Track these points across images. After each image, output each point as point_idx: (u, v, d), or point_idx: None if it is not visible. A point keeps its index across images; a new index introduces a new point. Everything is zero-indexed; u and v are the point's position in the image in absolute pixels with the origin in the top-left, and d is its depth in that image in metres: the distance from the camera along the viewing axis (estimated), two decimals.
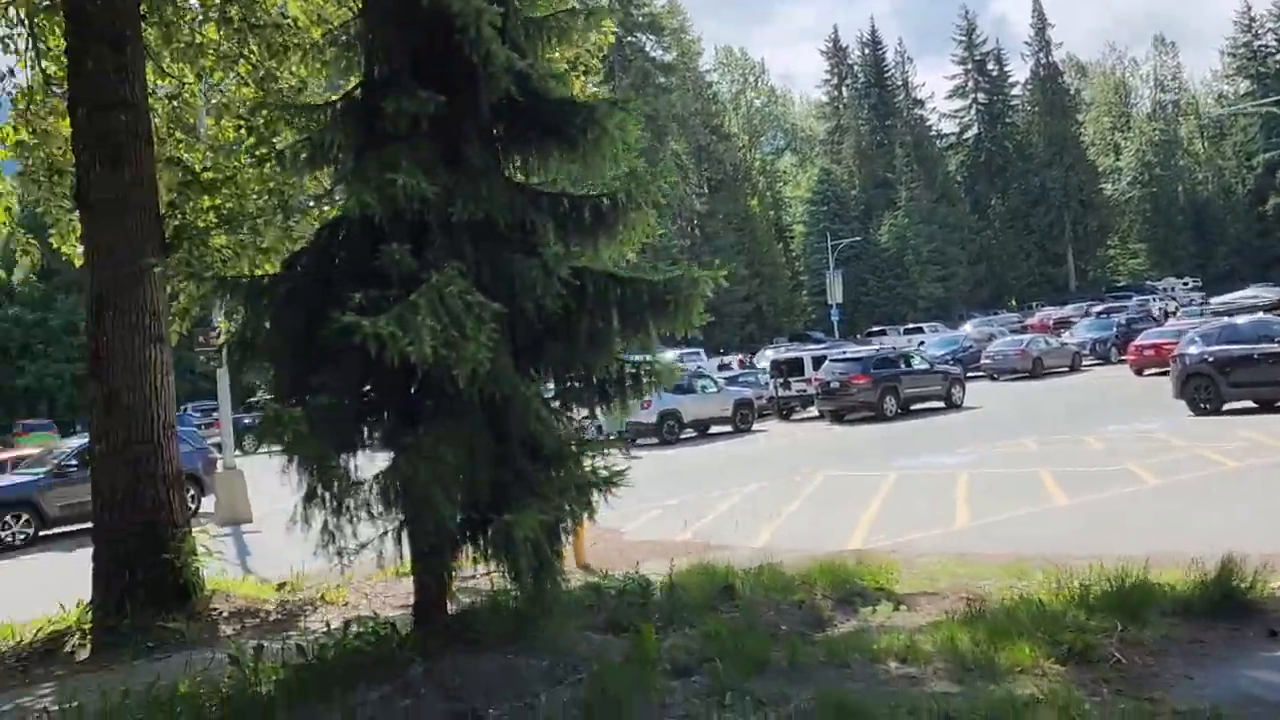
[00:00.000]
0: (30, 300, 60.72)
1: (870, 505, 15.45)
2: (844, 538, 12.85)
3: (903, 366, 31.94)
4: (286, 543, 16.02)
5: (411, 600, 10.79)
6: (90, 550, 16.43)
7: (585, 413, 8.55)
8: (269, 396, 7.23)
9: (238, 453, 22.42)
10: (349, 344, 6.92)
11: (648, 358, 8.07)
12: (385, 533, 7.36)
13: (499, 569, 7.63)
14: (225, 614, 10.96)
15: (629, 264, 8.66)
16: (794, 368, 34.65)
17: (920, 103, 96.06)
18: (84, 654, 10.22)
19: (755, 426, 32.12)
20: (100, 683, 8.19)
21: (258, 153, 11.89)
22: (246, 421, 36.90)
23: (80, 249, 13.30)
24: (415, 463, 6.81)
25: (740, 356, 58.08)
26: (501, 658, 6.79)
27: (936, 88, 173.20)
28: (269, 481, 21.60)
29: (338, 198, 9.00)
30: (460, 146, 7.77)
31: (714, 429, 31.16)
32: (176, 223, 11.85)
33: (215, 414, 37.52)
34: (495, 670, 6.59)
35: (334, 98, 8.21)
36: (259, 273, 10.11)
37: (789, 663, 6.54)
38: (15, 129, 13.20)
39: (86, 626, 10.65)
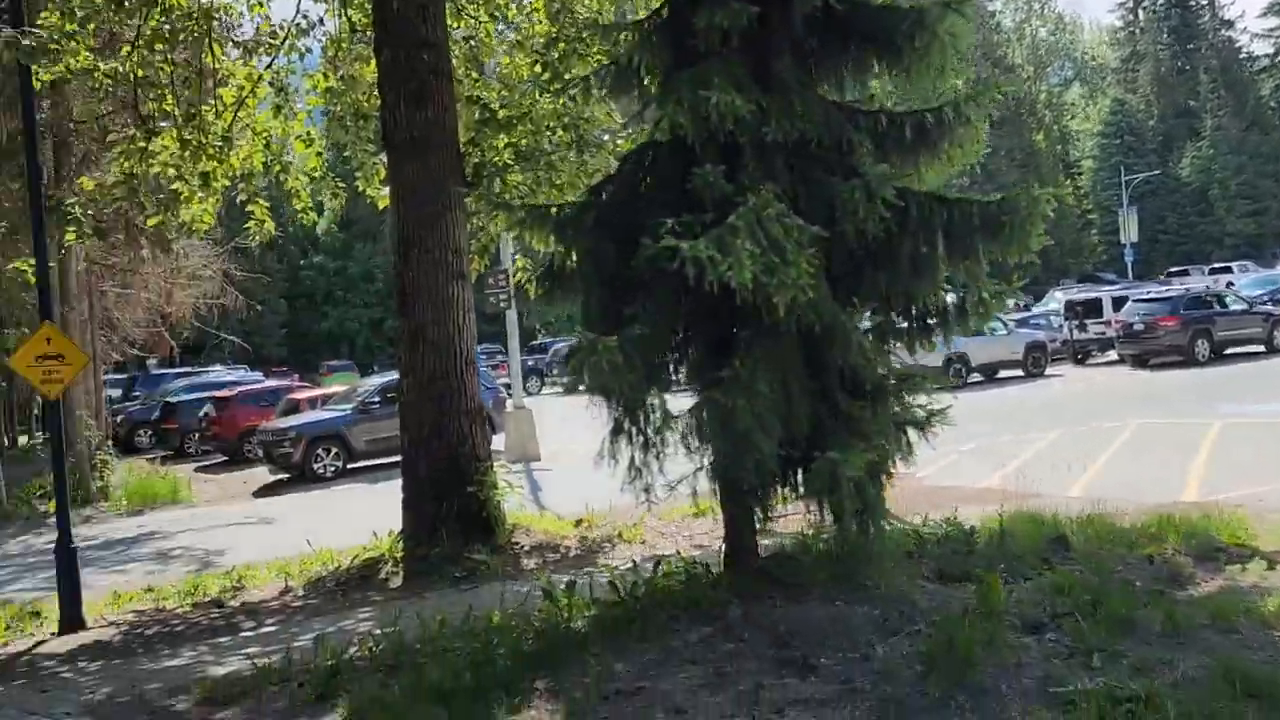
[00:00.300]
0: (332, 249, 65.00)
1: (1196, 456, 14.07)
2: (1173, 490, 11.69)
3: (1216, 307, 29.27)
4: (575, 480, 16.24)
5: (708, 540, 10.63)
6: (391, 484, 17.24)
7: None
8: (578, 328, 7.01)
9: (524, 393, 23.02)
10: (660, 271, 6.66)
11: (977, 286, 7.38)
12: (700, 469, 7.06)
13: (814, 510, 7.22)
14: (526, 548, 11.09)
15: None
16: (1091, 309, 32.41)
17: (1229, 23, 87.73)
18: (396, 581, 10.57)
19: (1047, 371, 30.30)
20: (417, 610, 8.35)
21: (552, 87, 11.83)
22: (529, 363, 38.19)
23: (384, 191, 13.75)
24: (733, 396, 6.45)
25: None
26: (828, 604, 6.39)
27: (1248, 5, 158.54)
28: (551, 422, 22.07)
29: (643, 125, 8.71)
30: (771, 62, 7.31)
31: (1002, 373, 29.61)
32: (476, 160, 11.97)
33: (499, 356, 39.04)
34: (822, 617, 6.19)
35: (641, 16, 7.88)
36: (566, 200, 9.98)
37: (1162, 623, 5.80)
38: (325, 76, 13.71)
39: (398, 555, 11.01)
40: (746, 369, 6.60)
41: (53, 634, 9.82)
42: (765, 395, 6.55)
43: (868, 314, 7.61)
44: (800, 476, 7.21)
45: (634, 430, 7.41)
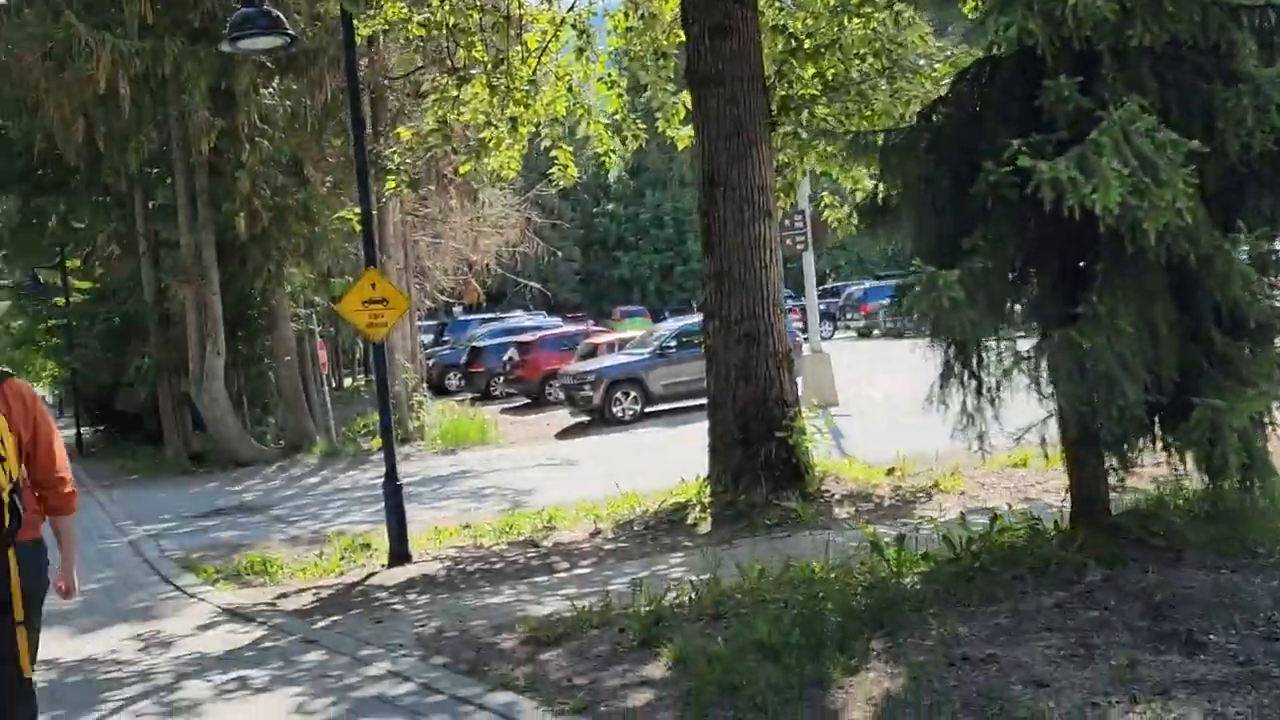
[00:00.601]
0: (623, 196, 66.25)
1: None
2: None
3: None
4: (876, 426, 15.64)
5: (1035, 492, 9.86)
6: (689, 428, 17.21)
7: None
8: (915, 263, 6.43)
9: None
10: (1003, 198, 6.03)
11: None
12: (1049, 415, 6.40)
13: (1177, 463, 6.41)
14: (837, 496, 10.66)
15: None
16: None
17: None
18: (704, 527, 10.39)
19: None
20: (732, 557, 8.13)
21: (863, 11, 11.17)
22: (821, 307, 37.55)
23: (683, 131, 13.54)
24: (1091, 334, 5.75)
25: None
26: (1209, 571, 5.63)
27: None
28: (845, 367, 21.40)
29: (968, 47, 7.99)
30: None
31: None
32: (782, 93, 11.50)
33: (789, 300, 38.56)
34: (1205, 586, 5.44)
35: None
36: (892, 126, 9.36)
37: None
38: (625, 15, 13.56)
39: (705, 500, 10.84)
40: (1105, 304, 5.88)
41: (382, 566, 10.26)
42: (1128, 334, 5.81)
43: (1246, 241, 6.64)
44: (1161, 425, 6.43)
45: (966, 373, 6.82)
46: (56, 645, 7.99)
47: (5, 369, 4.69)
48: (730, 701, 5.11)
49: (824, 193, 13.45)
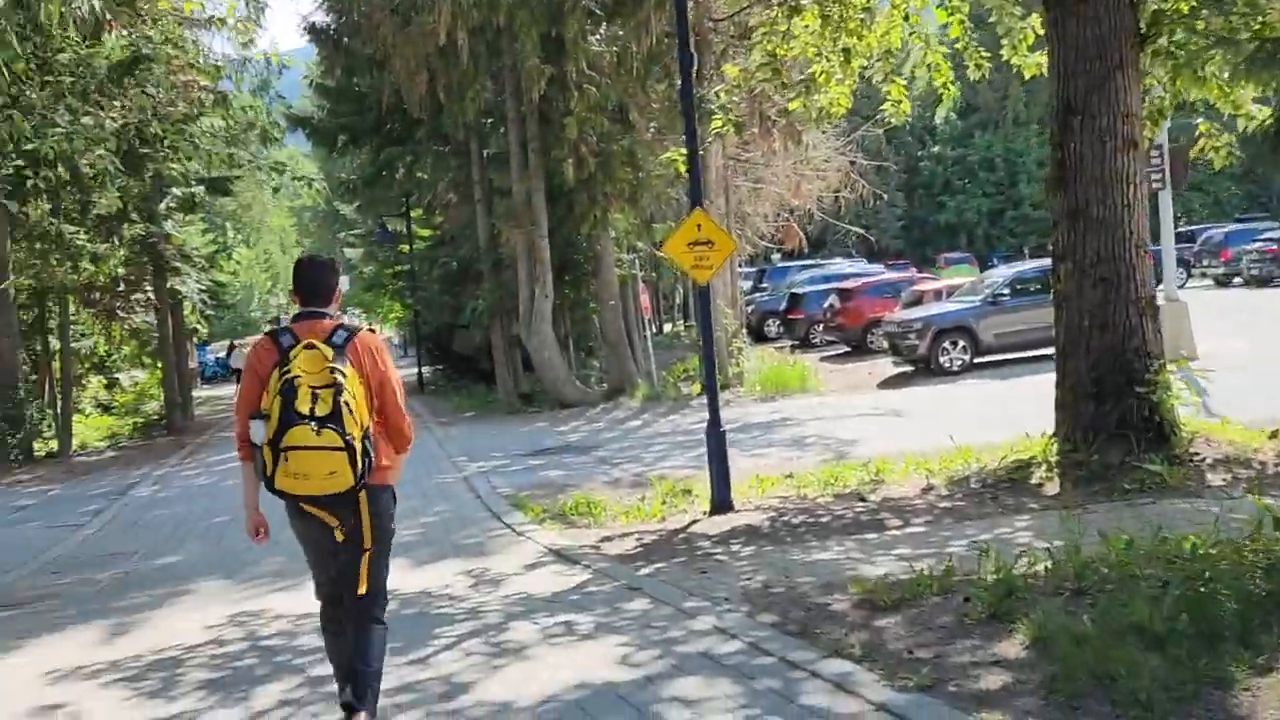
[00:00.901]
0: (950, 138, 63.50)
1: None
2: None
3: None
4: (1242, 382, 14.02)
5: None
6: (1022, 380, 16.05)
7: None
8: None
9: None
10: None
11: None
12: None
13: None
14: (1209, 460, 9.47)
15: None
16: None
17: None
18: (1051, 488, 9.55)
19: None
20: (1089, 523, 7.32)
21: None
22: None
23: (1030, 59, 12.43)
24: None
25: None
26: None
27: None
28: (1202, 318, 19.42)
29: None
30: None
31: None
32: (1153, 8, 10.22)
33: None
34: None
35: None
36: None
37: None
38: None
39: (1052, 459, 9.97)
40: None
41: (704, 513, 10.05)
42: None
43: None
44: None
45: None
46: (398, 576, 8.19)
47: (358, 324, 4.83)
48: (1104, 693, 4.44)
49: (1200, 120, 11.92)
